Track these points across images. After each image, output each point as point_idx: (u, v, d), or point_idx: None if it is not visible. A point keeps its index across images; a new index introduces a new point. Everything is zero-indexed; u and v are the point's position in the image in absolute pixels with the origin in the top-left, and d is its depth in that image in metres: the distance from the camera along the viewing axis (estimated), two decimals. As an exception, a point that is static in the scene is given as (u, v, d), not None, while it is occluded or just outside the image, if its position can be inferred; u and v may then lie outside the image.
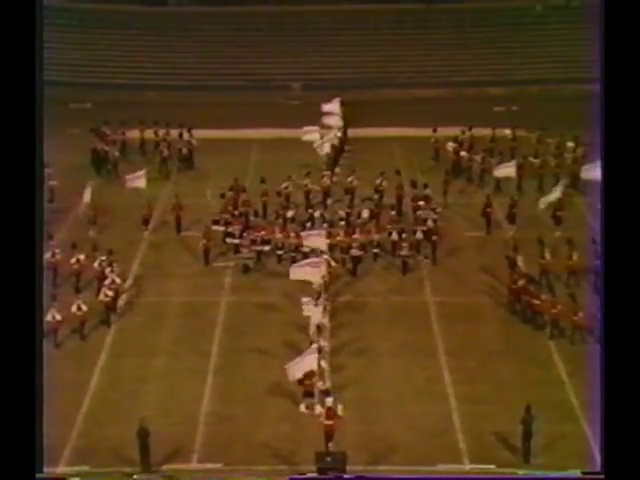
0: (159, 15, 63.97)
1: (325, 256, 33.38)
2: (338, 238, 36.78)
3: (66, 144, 45.15)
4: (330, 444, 25.93)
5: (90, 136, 47.10)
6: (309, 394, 28.07)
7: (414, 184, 41.48)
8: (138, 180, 40.53)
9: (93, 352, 31.64)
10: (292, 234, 37.24)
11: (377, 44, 61.21)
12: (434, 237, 37.61)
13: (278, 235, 37.35)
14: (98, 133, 47.10)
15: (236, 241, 37.26)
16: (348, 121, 48.98)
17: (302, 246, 36.50)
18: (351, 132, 49.60)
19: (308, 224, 37.60)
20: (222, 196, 39.95)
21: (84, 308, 32.10)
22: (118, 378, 30.34)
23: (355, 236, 36.86)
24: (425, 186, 40.85)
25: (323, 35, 62.33)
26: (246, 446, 26.91)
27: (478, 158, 44.48)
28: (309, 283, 32.22)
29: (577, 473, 24.77)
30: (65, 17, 60.59)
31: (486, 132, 46.77)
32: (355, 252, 36.61)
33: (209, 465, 26.20)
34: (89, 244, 36.52)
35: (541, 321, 32.60)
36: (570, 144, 44.68)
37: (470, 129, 46.54)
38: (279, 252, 37.36)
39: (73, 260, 34.96)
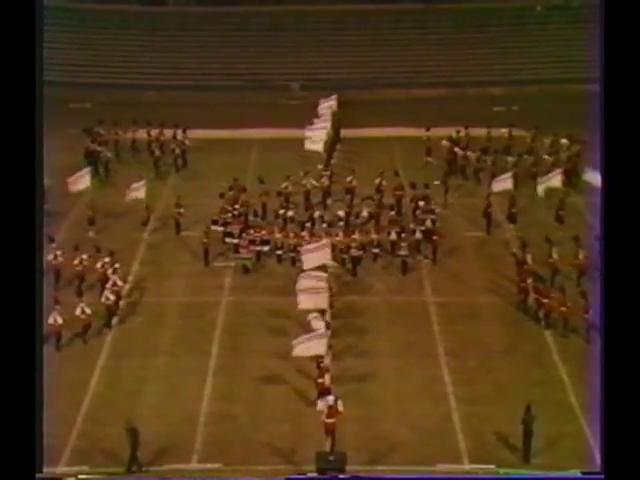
0: (159, 15, 63.94)
1: (324, 275, 32.18)
2: (337, 238, 36.79)
3: (66, 144, 45.11)
4: (330, 440, 25.93)
5: (84, 136, 47.02)
6: (326, 392, 27.74)
7: (414, 184, 41.47)
8: (137, 192, 40.06)
9: (93, 352, 31.64)
10: (292, 234, 37.25)
11: (377, 44, 61.17)
12: (434, 237, 37.61)
13: (278, 235, 37.35)
14: (90, 133, 46.98)
15: (235, 241, 37.26)
16: (341, 120, 48.81)
17: (302, 246, 36.52)
18: (351, 132, 49.60)
19: (308, 224, 37.59)
20: (222, 196, 39.95)
21: (88, 311, 32.07)
22: (118, 378, 30.35)
23: (355, 236, 36.86)
24: (425, 186, 40.84)
25: (323, 35, 62.29)
26: (246, 446, 26.92)
27: (473, 156, 44.54)
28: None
29: (577, 473, 24.76)
30: (65, 17, 60.51)
31: (482, 131, 46.74)
32: (355, 252, 36.61)
33: (209, 465, 26.21)
34: (89, 245, 36.51)
35: (551, 319, 32.63)
36: (564, 141, 44.80)
37: (466, 128, 46.53)
38: (279, 252, 37.36)
39: (76, 262, 34.95)
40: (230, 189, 40.55)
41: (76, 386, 29.51)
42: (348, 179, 42.07)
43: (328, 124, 46.09)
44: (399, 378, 30.08)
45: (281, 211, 39.07)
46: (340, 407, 26.43)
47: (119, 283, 33.87)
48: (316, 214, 38.97)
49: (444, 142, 45.67)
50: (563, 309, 32.14)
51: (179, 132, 46.86)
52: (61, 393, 27.77)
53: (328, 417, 26.16)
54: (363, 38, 61.54)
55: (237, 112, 53.52)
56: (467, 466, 26.19)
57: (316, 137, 44.27)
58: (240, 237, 37.23)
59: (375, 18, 62.86)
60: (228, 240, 37.52)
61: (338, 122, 48.43)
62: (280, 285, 35.44)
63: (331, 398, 26.36)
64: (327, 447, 26.10)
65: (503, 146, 45.95)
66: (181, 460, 26.40)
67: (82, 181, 40.29)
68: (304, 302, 31.05)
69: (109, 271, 34.05)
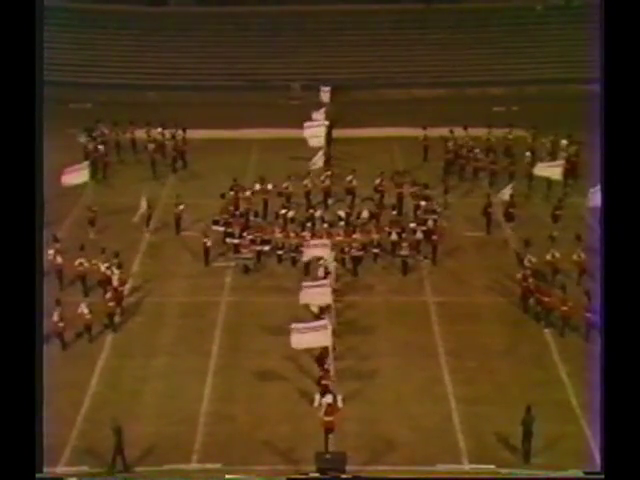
0: (159, 15, 63.93)
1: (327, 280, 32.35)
2: (338, 238, 36.81)
3: (66, 144, 45.11)
4: (330, 436, 25.92)
5: (84, 136, 46.99)
6: (328, 391, 27.85)
7: (414, 184, 41.48)
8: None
9: (93, 352, 31.64)
10: (292, 234, 37.26)
11: (377, 44, 61.15)
12: (434, 237, 37.61)
13: (278, 235, 37.37)
14: (91, 133, 46.88)
15: (236, 241, 37.26)
16: (334, 120, 48.77)
17: (302, 246, 36.57)
18: (351, 132, 49.59)
19: (308, 224, 37.60)
20: (222, 196, 39.95)
21: (86, 311, 32.06)
22: (118, 378, 30.36)
23: (355, 236, 36.87)
24: (425, 186, 40.85)
25: (323, 35, 62.27)
26: (246, 446, 26.92)
27: (472, 157, 44.62)
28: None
29: (577, 473, 24.80)
30: (65, 17, 60.53)
31: (482, 132, 46.72)
32: (355, 252, 36.62)
33: (209, 465, 26.21)
34: (89, 246, 36.48)
35: (551, 318, 32.65)
36: (564, 142, 44.83)
37: (465, 128, 46.52)
38: (279, 252, 37.36)
39: (77, 263, 34.95)
40: (230, 189, 40.57)
41: (76, 386, 29.52)
42: (348, 179, 42.11)
43: (324, 122, 46.20)
44: (399, 378, 30.08)
45: (282, 211, 39.08)
46: (340, 403, 26.50)
47: (123, 284, 33.91)
48: (317, 214, 38.99)
49: (449, 144, 45.63)
50: (564, 308, 32.14)
51: (179, 132, 46.84)
52: (61, 393, 27.78)
53: (327, 415, 26.18)
54: (363, 38, 61.52)
55: (237, 112, 53.53)
56: (467, 466, 26.19)
57: (317, 133, 44.39)
58: (241, 237, 37.23)
59: (375, 18, 62.85)
60: (229, 240, 37.52)
61: (331, 122, 48.34)
62: (280, 285, 35.46)
63: (330, 396, 26.34)
64: (326, 446, 26.06)
65: (503, 146, 45.96)
66: (181, 460, 26.40)
67: (78, 176, 39.83)
68: (305, 298, 31.22)
69: (112, 272, 34.05)
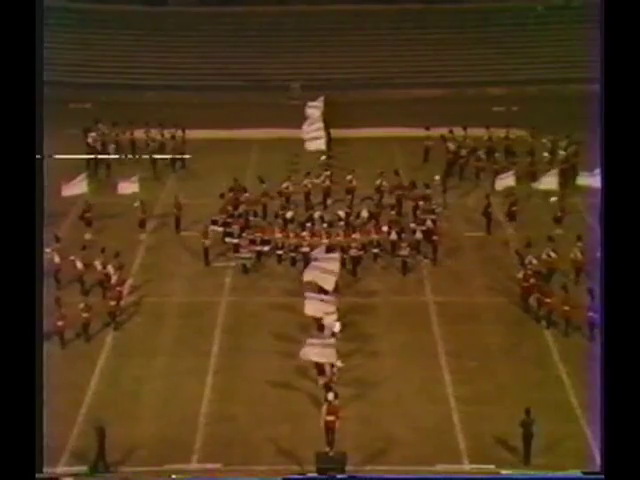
0: (159, 15, 63.94)
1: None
2: (338, 238, 36.82)
3: (66, 144, 45.09)
4: (330, 438, 25.89)
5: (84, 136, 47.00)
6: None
7: (414, 184, 41.50)
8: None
9: (93, 352, 31.64)
10: (292, 234, 37.27)
11: (377, 44, 61.17)
12: (434, 237, 37.62)
13: (278, 235, 37.37)
14: (89, 132, 46.87)
15: (235, 241, 37.26)
16: (328, 121, 48.77)
17: (302, 246, 36.61)
18: (351, 132, 49.61)
19: (308, 224, 37.61)
20: (222, 196, 39.95)
21: (84, 311, 32.08)
22: (118, 378, 30.34)
23: (355, 236, 36.87)
24: (426, 186, 40.85)
25: (323, 35, 62.30)
26: (246, 446, 26.91)
27: (472, 157, 44.66)
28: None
29: (577, 473, 24.78)
30: (65, 17, 60.54)
31: (482, 132, 46.72)
32: (355, 252, 36.62)
33: (209, 465, 26.20)
34: (88, 246, 36.51)
35: (552, 318, 32.65)
36: (563, 143, 44.86)
37: (465, 129, 46.54)
38: (279, 252, 37.37)
39: (78, 264, 34.95)
40: (230, 189, 40.56)
41: (76, 386, 29.51)
42: (348, 179, 42.12)
43: (321, 124, 46.26)
44: (399, 378, 30.07)
45: (281, 211, 39.07)
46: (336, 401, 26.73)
47: (123, 284, 33.96)
48: (316, 214, 38.96)
49: (450, 145, 45.63)
50: (566, 308, 32.14)
51: (178, 132, 46.84)
52: (61, 393, 27.76)
53: (328, 414, 26.13)
54: (363, 38, 61.53)
55: (237, 112, 53.53)
56: (467, 466, 26.19)
57: (316, 135, 44.37)
58: (240, 237, 37.24)
59: (375, 18, 62.87)
60: (228, 240, 37.52)
61: (325, 123, 48.38)
62: (280, 285, 35.45)
63: (331, 395, 26.35)
64: (326, 446, 26.04)
65: (503, 146, 45.98)
66: (181, 460, 26.39)
67: (77, 187, 40.33)
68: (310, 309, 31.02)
69: (112, 272, 34.07)
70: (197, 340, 32.44)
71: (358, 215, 38.79)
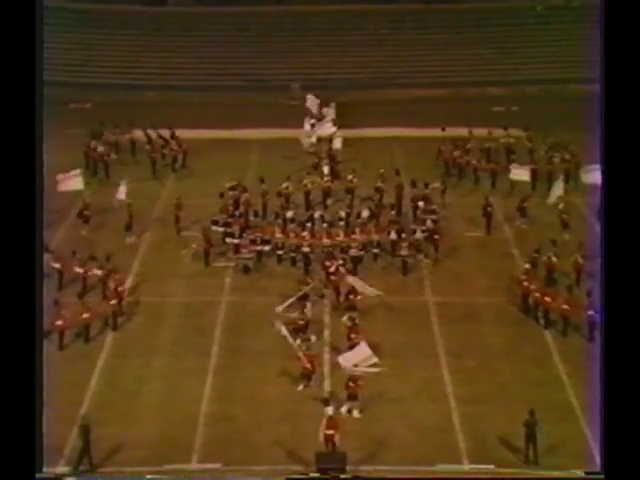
0: (159, 15, 64.01)
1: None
2: (338, 238, 36.82)
3: (66, 144, 45.11)
4: (331, 449, 25.86)
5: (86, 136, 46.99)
6: (353, 397, 28.00)
7: (414, 184, 41.52)
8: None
9: (93, 352, 31.63)
10: (292, 234, 37.27)
11: (377, 44, 61.25)
12: (436, 236, 37.62)
13: (278, 235, 37.37)
14: (96, 135, 46.85)
15: (236, 241, 37.25)
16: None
17: (302, 246, 36.61)
18: (351, 132, 49.60)
19: (308, 224, 37.62)
20: (222, 196, 39.96)
21: (83, 311, 32.10)
22: (118, 378, 30.33)
23: (355, 236, 36.88)
24: (425, 186, 40.87)
25: (323, 35, 62.37)
26: (246, 446, 26.90)
27: (474, 161, 44.67)
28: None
29: (577, 473, 24.79)
30: (65, 17, 60.59)
31: (482, 132, 46.74)
32: (355, 252, 36.62)
33: (209, 465, 26.19)
34: (85, 245, 36.52)
35: (552, 318, 32.65)
36: (563, 142, 44.94)
37: (470, 132, 46.56)
38: (279, 252, 37.36)
39: (77, 265, 34.95)
40: (230, 189, 40.57)
41: (76, 386, 29.50)
42: (348, 179, 42.14)
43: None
44: (399, 378, 30.05)
45: (281, 211, 39.07)
46: (356, 414, 27.42)
47: (118, 285, 33.98)
48: (316, 214, 38.99)
49: (450, 148, 45.62)
50: (565, 307, 32.13)
51: (178, 133, 46.84)
52: (61, 393, 27.73)
53: (327, 428, 25.78)
54: (363, 38, 61.61)
55: (237, 112, 53.55)
56: (467, 466, 26.17)
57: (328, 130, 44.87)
58: (241, 237, 37.24)
59: (375, 18, 62.94)
60: (228, 240, 37.51)
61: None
62: (281, 285, 35.44)
63: (330, 409, 26.17)
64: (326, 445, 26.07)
65: (502, 146, 45.99)
66: (181, 460, 26.37)
67: (73, 182, 40.34)
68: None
69: (106, 274, 34.11)
70: (197, 340, 32.43)
71: (358, 215, 38.80)
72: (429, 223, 38.05)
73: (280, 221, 38.40)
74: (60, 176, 40.28)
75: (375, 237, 37.48)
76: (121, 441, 26.81)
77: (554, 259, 35.13)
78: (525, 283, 33.71)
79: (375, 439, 27.11)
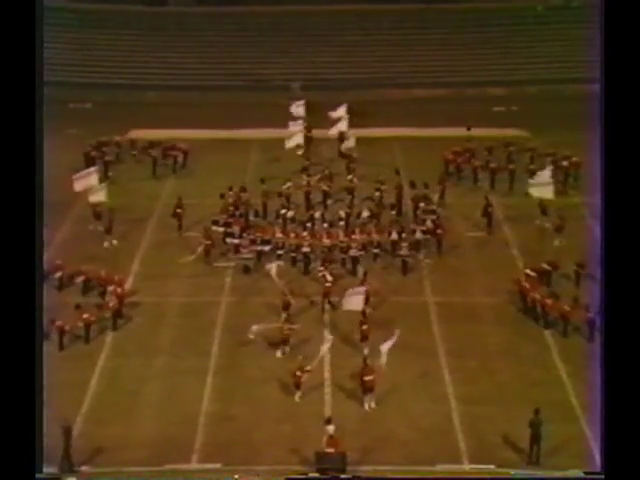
0: (159, 15, 64.00)
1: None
2: (338, 238, 36.82)
3: (66, 144, 45.12)
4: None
5: (87, 137, 46.97)
6: (369, 390, 28.42)
7: (413, 185, 41.52)
8: (87, 179, 40.16)
9: (93, 352, 31.63)
10: (292, 234, 37.27)
11: (377, 44, 61.22)
12: (439, 230, 37.64)
13: (278, 235, 37.37)
14: (100, 148, 46.83)
15: (236, 241, 37.25)
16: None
17: (302, 246, 36.62)
18: (351, 132, 49.57)
19: (309, 224, 37.61)
20: (222, 196, 39.96)
21: (85, 311, 32.10)
22: (118, 378, 30.34)
23: (355, 236, 36.88)
24: (425, 186, 40.86)
25: (323, 35, 62.35)
26: (246, 446, 26.90)
27: (476, 163, 44.71)
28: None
29: (577, 473, 24.79)
30: (65, 17, 60.60)
31: (482, 132, 46.78)
32: (355, 252, 36.62)
33: (209, 465, 26.20)
34: (90, 245, 36.55)
35: (551, 318, 32.64)
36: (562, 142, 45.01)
37: (468, 129, 46.54)
38: (279, 252, 37.35)
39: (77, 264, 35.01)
40: (230, 189, 40.58)
41: (76, 386, 29.50)
42: (348, 179, 42.15)
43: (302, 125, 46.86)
44: (399, 378, 30.04)
45: (282, 211, 39.08)
46: (373, 406, 28.08)
47: (118, 286, 34.01)
48: (317, 214, 39.00)
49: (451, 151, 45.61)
50: (565, 307, 32.13)
51: (177, 132, 46.87)
52: (61, 393, 27.74)
53: (328, 447, 25.61)
54: (363, 38, 61.59)
55: (237, 112, 53.55)
56: (467, 466, 26.17)
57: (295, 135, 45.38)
58: (241, 237, 37.23)
59: (375, 18, 62.89)
60: (229, 240, 37.51)
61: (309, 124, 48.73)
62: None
63: (331, 427, 26.08)
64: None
65: (502, 146, 46.01)
66: (181, 460, 26.38)
67: (87, 180, 40.25)
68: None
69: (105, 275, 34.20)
70: (197, 340, 32.43)
71: (358, 215, 38.81)
72: (429, 223, 38.07)
73: (280, 221, 38.38)
74: (76, 175, 40.39)
75: (375, 237, 37.49)
76: (121, 441, 26.82)
77: (553, 260, 35.14)
78: (525, 284, 33.71)
79: (375, 439, 27.12)
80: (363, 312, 32.11)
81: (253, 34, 62.13)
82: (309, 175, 42.74)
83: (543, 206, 39.24)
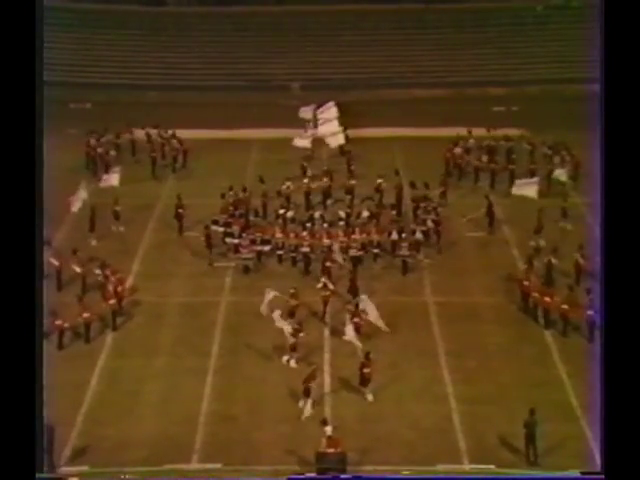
0: (159, 15, 63.98)
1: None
2: (338, 238, 36.81)
3: (66, 144, 45.12)
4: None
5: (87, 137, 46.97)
6: (366, 382, 28.73)
7: (414, 184, 41.52)
8: (111, 178, 41.40)
9: (93, 352, 31.65)
10: (292, 234, 37.27)
11: (377, 44, 61.16)
12: (440, 227, 37.63)
13: (278, 235, 37.37)
14: (97, 137, 46.90)
15: (236, 241, 37.25)
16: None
17: (302, 246, 36.62)
18: (351, 132, 49.53)
19: (308, 224, 37.62)
20: (222, 196, 39.96)
21: (85, 311, 32.11)
22: (118, 378, 30.36)
23: (355, 236, 36.88)
24: (426, 186, 40.86)
25: (323, 35, 62.30)
26: (246, 446, 26.92)
27: (475, 161, 44.67)
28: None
29: (577, 473, 24.75)
30: (65, 17, 60.54)
31: (482, 131, 46.73)
32: (355, 252, 36.62)
33: (209, 465, 26.20)
34: (87, 247, 36.56)
35: (551, 318, 32.64)
36: (561, 144, 44.95)
37: (470, 132, 46.53)
38: (279, 252, 37.36)
39: (75, 265, 34.95)
40: (230, 189, 40.57)
41: (76, 386, 29.52)
42: (348, 179, 42.18)
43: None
44: (399, 378, 30.06)
45: (282, 211, 39.07)
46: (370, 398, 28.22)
47: (121, 285, 33.99)
48: (316, 214, 38.98)
49: (457, 149, 45.52)
50: (565, 307, 32.13)
51: (177, 132, 46.82)
52: (61, 393, 27.74)
53: (327, 447, 25.49)
54: (363, 38, 61.53)
55: (237, 112, 53.52)
56: (467, 466, 26.18)
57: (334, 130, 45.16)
58: (241, 237, 37.24)
59: (375, 18, 62.87)
60: (229, 240, 37.51)
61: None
62: (281, 285, 35.39)
63: (329, 429, 26.06)
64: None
65: (502, 146, 45.99)
66: (181, 460, 26.39)
67: (111, 178, 41.34)
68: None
69: (105, 276, 34.12)
70: (197, 340, 32.44)
71: (358, 215, 38.81)
72: (429, 223, 38.08)
73: (280, 221, 38.40)
74: (105, 176, 41.83)
75: (375, 237, 37.49)
76: (121, 441, 26.84)
77: (554, 261, 35.12)
78: (525, 282, 33.72)
79: (375, 439, 27.12)
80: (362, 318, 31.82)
81: (253, 34, 62.06)
82: (309, 175, 42.72)
83: (564, 208, 39.47)
